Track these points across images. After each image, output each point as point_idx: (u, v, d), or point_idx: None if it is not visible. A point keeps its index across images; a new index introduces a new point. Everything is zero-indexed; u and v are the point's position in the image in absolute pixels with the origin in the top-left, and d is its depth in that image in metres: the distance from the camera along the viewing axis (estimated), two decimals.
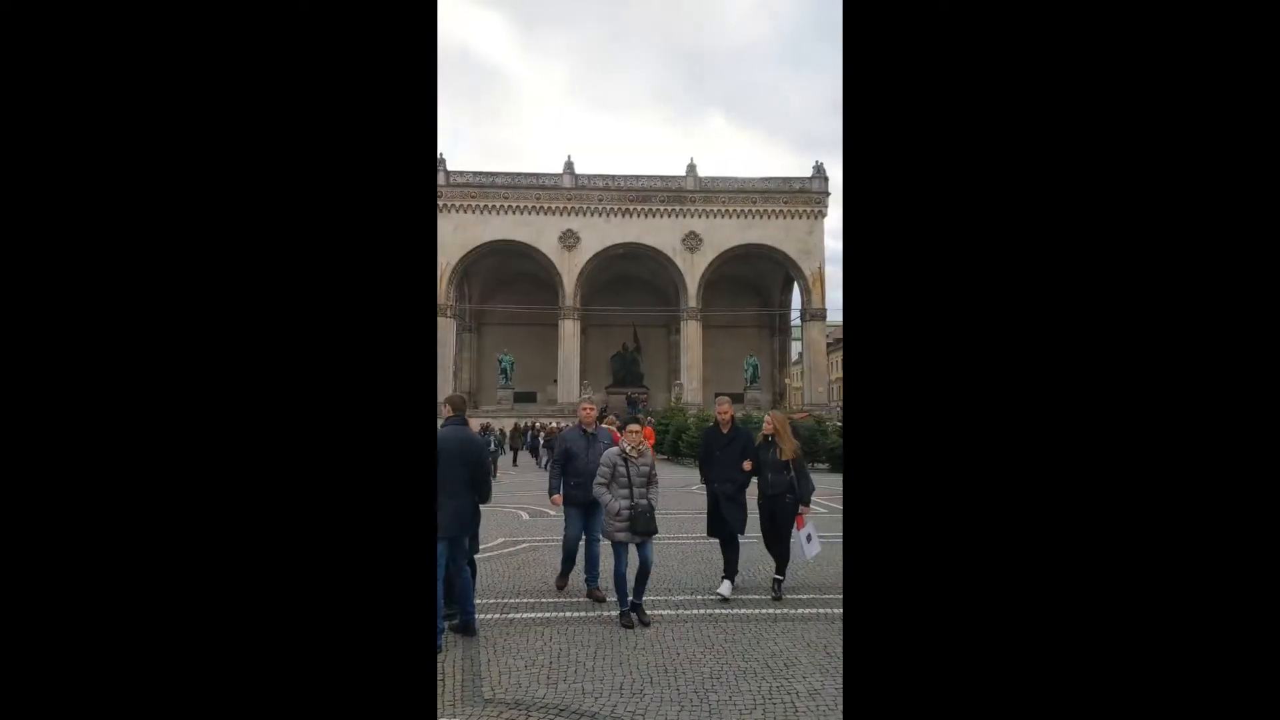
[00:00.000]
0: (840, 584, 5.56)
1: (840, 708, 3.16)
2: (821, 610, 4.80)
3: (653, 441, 10.93)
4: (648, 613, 4.47)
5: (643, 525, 4.43)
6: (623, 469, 4.53)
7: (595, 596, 4.99)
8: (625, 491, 4.48)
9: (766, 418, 5.57)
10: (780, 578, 5.17)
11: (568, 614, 4.68)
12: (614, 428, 6.39)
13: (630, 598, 4.45)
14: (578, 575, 5.33)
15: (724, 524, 5.21)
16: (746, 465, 5.23)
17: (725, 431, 5.43)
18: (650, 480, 4.64)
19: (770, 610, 4.75)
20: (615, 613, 4.55)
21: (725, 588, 5.07)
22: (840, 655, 3.86)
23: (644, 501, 4.49)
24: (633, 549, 4.53)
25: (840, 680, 3.49)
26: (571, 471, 5.15)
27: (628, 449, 4.59)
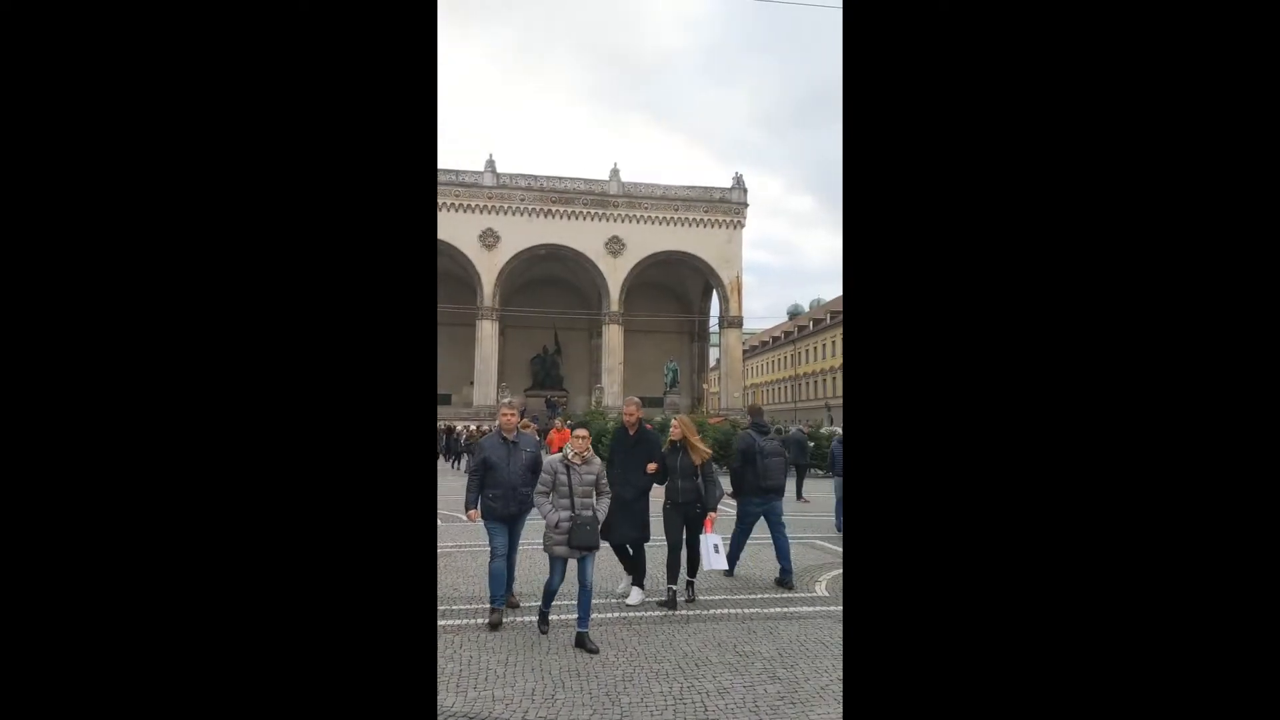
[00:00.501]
0: (749, 584, 5.73)
1: (748, 705, 3.26)
2: (732, 611, 4.92)
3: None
4: (591, 637, 4.11)
5: (580, 539, 4.12)
6: (564, 477, 4.21)
7: (510, 603, 4.89)
8: (566, 502, 4.18)
9: (674, 422, 5.37)
10: (691, 579, 5.19)
11: (478, 620, 4.58)
12: (531, 430, 6.30)
13: (577, 628, 4.11)
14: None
15: (613, 532, 4.98)
16: (651, 467, 5.08)
17: (632, 434, 5.25)
18: (598, 490, 4.32)
19: (682, 611, 4.83)
20: (529, 619, 4.50)
21: (635, 596, 5.03)
22: (748, 653, 3.98)
23: (587, 513, 4.17)
24: (571, 568, 4.26)
25: (747, 678, 3.60)
26: (491, 483, 4.64)
27: (570, 455, 4.29)
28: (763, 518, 5.85)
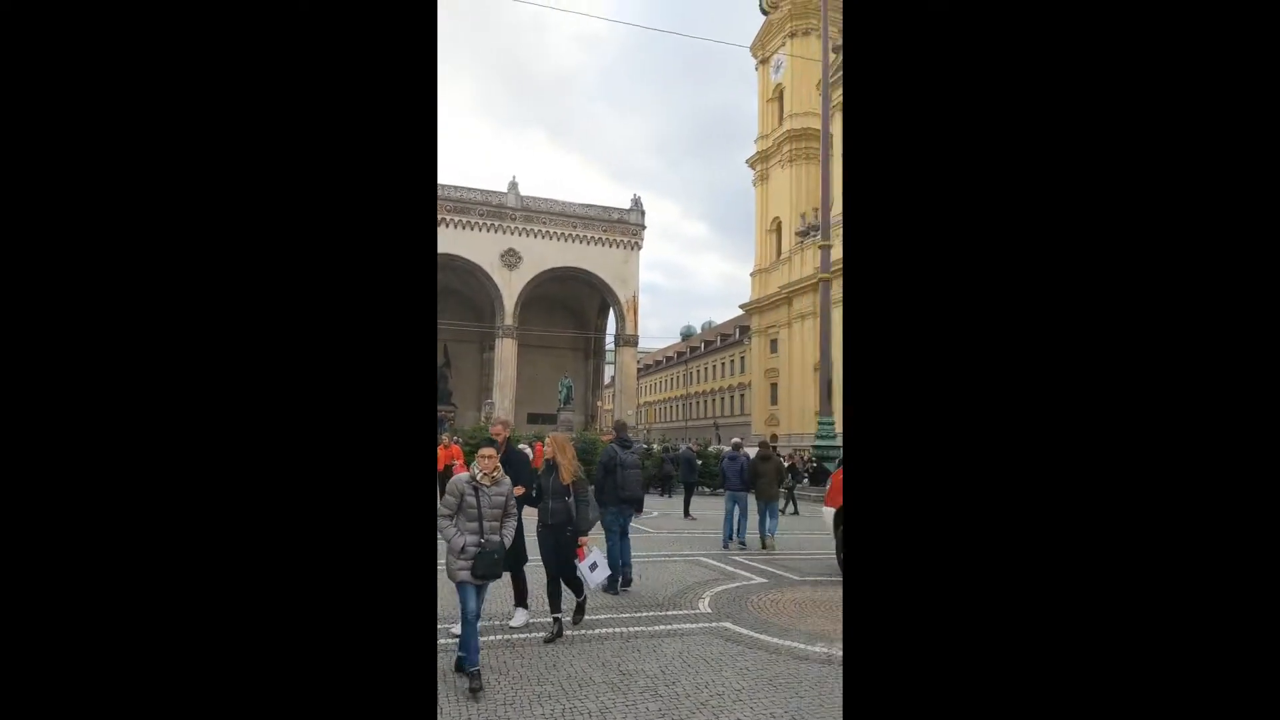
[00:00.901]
0: (635, 603, 5.80)
1: None
2: (617, 630, 4.95)
3: (462, 462, 10.53)
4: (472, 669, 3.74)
5: (482, 567, 3.79)
6: (471, 499, 3.89)
7: None
8: (474, 525, 3.84)
9: (547, 440, 5.20)
10: (579, 598, 5.07)
11: None
12: None
13: (459, 653, 3.81)
14: None
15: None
16: (517, 490, 4.84)
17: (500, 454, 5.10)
18: (506, 512, 3.99)
19: (568, 632, 4.81)
20: None
21: (519, 617, 4.94)
22: (631, 672, 4.03)
23: (495, 538, 3.86)
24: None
25: (629, 696, 3.64)
26: None
27: (479, 475, 4.00)
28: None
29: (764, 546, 9.01)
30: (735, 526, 9.20)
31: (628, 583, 6.18)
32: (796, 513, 14.38)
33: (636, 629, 4.98)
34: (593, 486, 5.80)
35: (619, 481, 6.18)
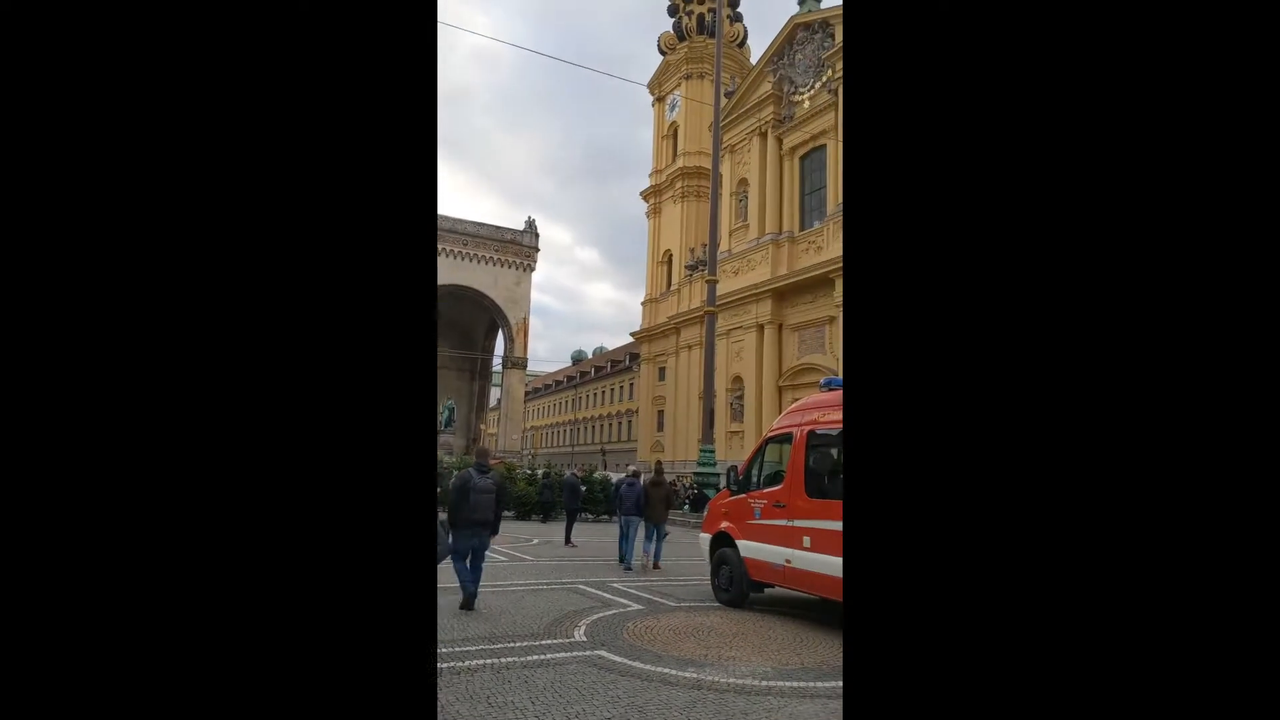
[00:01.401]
0: (508, 631, 5.67)
1: None
2: (488, 661, 4.82)
3: None
4: None
5: None
6: None
7: None
8: None
9: None
10: None
11: None
12: None
13: None
14: None
15: None
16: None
17: None
18: None
19: (440, 664, 4.62)
20: None
21: None
22: (501, 704, 3.93)
23: None
24: None
25: None
26: None
27: None
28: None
29: (649, 569, 9.26)
30: (627, 548, 9.68)
31: (470, 604, 6.31)
32: (667, 535, 14.62)
33: (509, 659, 4.86)
34: (446, 512, 6.08)
35: (471, 505, 6.41)
